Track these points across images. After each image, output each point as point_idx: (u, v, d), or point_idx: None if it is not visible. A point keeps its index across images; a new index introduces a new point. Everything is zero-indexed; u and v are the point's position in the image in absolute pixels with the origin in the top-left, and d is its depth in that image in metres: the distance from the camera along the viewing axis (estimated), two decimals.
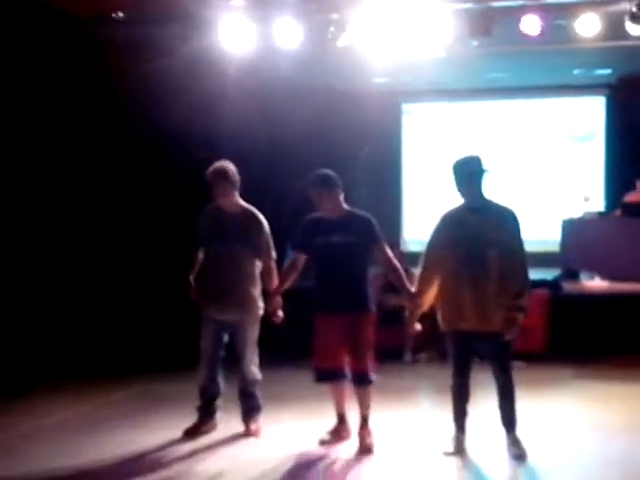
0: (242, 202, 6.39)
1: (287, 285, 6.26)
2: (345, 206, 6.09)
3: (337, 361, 6.01)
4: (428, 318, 6.06)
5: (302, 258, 6.21)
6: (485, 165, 5.80)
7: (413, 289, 5.95)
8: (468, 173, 5.74)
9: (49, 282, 9.43)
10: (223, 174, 6.24)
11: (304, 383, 7.43)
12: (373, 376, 6.02)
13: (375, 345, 6.07)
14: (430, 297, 5.87)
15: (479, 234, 5.64)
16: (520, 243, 5.73)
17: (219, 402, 6.47)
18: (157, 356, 9.17)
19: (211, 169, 6.28)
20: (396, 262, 6.08)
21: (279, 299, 6.21)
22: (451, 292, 5.73)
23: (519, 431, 5.80)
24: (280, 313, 6.20)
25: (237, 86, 9.69)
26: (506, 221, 5.74)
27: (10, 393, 7.77)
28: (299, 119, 11.13)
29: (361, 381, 6.01)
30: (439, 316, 5.87)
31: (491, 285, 5.62)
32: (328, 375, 6.07)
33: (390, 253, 6.10)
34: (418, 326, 5.97)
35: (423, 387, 8.06)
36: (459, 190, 5.78)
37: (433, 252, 5.84)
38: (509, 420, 5.78)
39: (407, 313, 5.99)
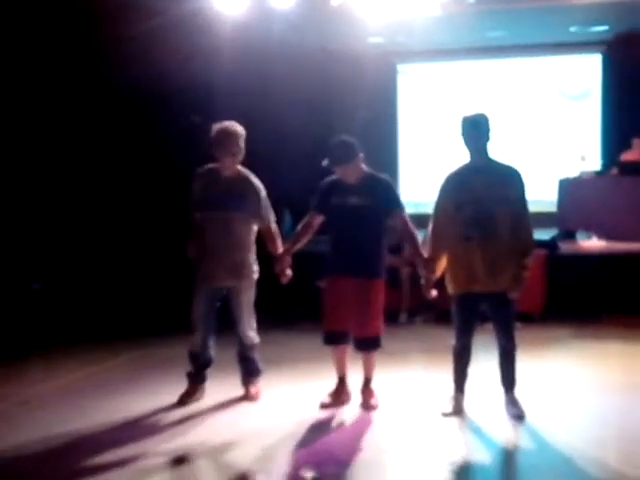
0: (239, 167, 6.29)
1: (300, 245, 6.19)
2: (365, 168, 6.01)
3: (344, 325, 5.99)
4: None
5: (318, 219, 6.14)
6: (491, 123, 5.74)
7: (426, 255, 5.92)
8: (476, 130, 5.69)
9: (47, 248, 9.41)
10: (233, 131, 6.12)
11: (302, 346, 7.48)
12: (380, 341, 6.01)
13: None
14: (443, 262, 5.84)
15: (486, 194, 5.60)
16: (525, 203, 5.71)
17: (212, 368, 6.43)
18: (156, 320, 9.16)
19: (221, 126, 6.13)
20: (413, 228, 6.02)
21: (288, 259, 6.14)
22: (461, 254, 5.70)
23: (518, 391, 5.81)
24: (289, 273, 6.15)
25: (230, 47, 9.61)
26: (512, 180, 5.71)
27: (8, 360, 7.77)
28: (293, 80, 11.06)
29: (367, 346, 6.00)
30: (448, 279, 5.84)
31: (500, 245, 5.60)
32: (337, 338, 6.04)
33: (407, 218, 6.03)
34: (434, 292, 5.93)
35: (419, 348, 8.05)
36: (465, 146, 5.73)
37: (441, 215, 5.79)
38: (509, 380, 5.79)
39: (422, 279, 5.95)
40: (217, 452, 5.24)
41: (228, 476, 4.89)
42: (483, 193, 5.61)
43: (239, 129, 6.17)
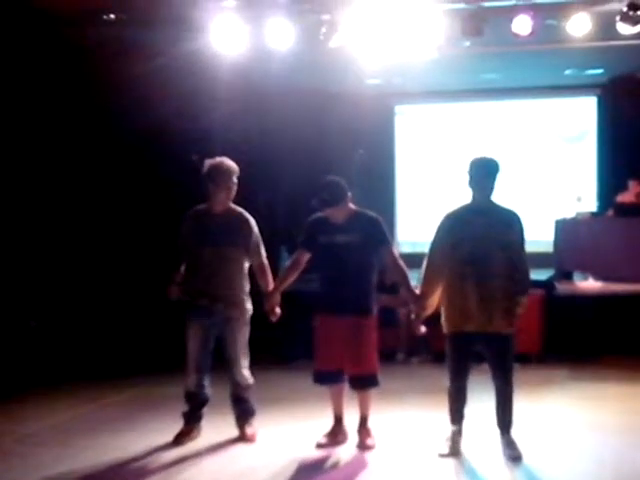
0: (231, 204, 6.30)
1: (288, 283, 6.21)
2: (352, 206, 6.04)
3: (337, 363, 5.98)
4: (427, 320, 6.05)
5: (305, 256, 6.16)
6: (500, 168, 5.78)
7: (418, 291, 5.93)
8: (484, 173, 5.73)
9: (44, 285, 9.41)
10: (226, 168, 6.16)
11: (297, 385, 7.45)
12: (377, 378, 6.00)
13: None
14: (435, 299, 5.85)
15: (485, 235, 5.65)
16: (523, 246, 5.76)
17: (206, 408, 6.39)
18: (152, 359, 9.15)
19: (213, 163, 6.17)
20: (402, 264, 6.03)
21: (277, 297, 6.17)
22: (456, 293, 5.72)
23: (515, 432, 5.79)
24: (278, 311, 6.16)
25: (229, 88, 9.68)
26: (512, 223, 5.76)
27: (5, 397, 7.74)
28: (292, 121, 11.12)
29: (363, 384, 6.00)
30: (443, 317, 5.85)
31: (496, 285, 5.64)
32: (328, 377, 6.04)
33: (397, 255, 6.06)
34: (423, 328, 5.95)
35: (416, 388, 8.03)
36: (470, 187, 5.77)
37: (437, 252, 5.81)
38: (505, 422, 5.77)
39: (413, 316, 5.97)
40: None
41: None
42: (481, 233, 5.65)
43: (232, 165, 6.21)
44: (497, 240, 5.65)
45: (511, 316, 5.67)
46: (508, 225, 5.73)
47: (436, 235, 5.87)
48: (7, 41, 8.61)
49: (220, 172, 6.15)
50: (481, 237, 5.65)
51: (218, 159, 6.22)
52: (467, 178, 5.78)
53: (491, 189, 5.77)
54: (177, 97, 9.66)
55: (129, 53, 9.11)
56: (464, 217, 5.79)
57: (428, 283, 5.85)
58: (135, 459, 5.88)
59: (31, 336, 9.06)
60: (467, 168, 5.80)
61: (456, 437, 5.84)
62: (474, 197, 5.79)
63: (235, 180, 6.20)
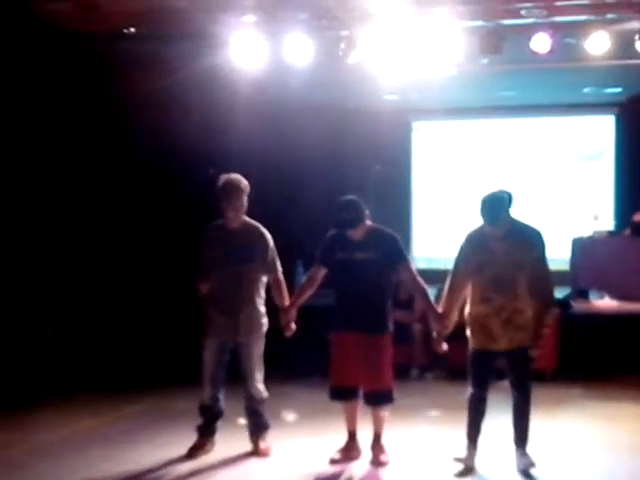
0: (246, 218, 6.32)
1: (304, 299, 6.23)
2: (369, 223, 6.05)
3: (353, 380, 6.00)
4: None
5: (321, 272, 6.17)
6: (513, 198, 5.77)
7: (440, 309, 5.93)
8: (496, 210, 5.70)
9: (61, 296, 9.46)
10: (238, 185, 6.16)
11: (312, 400, 7.44)
12: (392, 395, 6.01)
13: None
14: (455, 317, 5.86)
15: (506, 257, 5.65)
16: (546, 262, 5.77)
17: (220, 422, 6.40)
18: (167, 372, 9.16)
19: (225, 180, 6.19)
20: (421, 281, 6.04)
21: (294, 312, 6.19)
22: (480, 314, 5.74)
23: (529, 449, 5.77)
24: (293, 326, 6.18)
25: (248, 103, 9.72)
26: (532, 241, 5.76)
27: (20, 407, 7.77)
28: (309, 136, 11.15)
29: (377, 401, 6.00)
30: (468, 332, 5.87)
31: (519, 305, 5.67)
32: (344, 393, 6.05)
33: (415, 271, 6.07)
34: (445, 346, 5.95)
35: (430, 404, 8.01)
36: (484, 222, 5.74)
37: (460, 274, 5.83)
38: (521, 437, 5.77)
39: (434, 334, 5.97)
40: None
41: None
42: (504, 256, 5.65)
43: (243, 185, 6.19)
44: (519, 262, 5.65)
45: (538, 335, 5.68)
46: (529, 245, 5.73)
47: (458, 255, 5.88)
48: (28, 57, 8.68)
49: (230, 191, 6.15)
50: (502, 261, 5.65)
51: (231, 176, 6.23)
52: (479, 214, 5.77)
53: (505, 219, 5.75)
54: (196, 112, 9.72)
55: (149, 67, 9.17)
56: (484, 240, 5.78)
57: (450, 302, 5.87)
58: (149, 472, 5.90)
59: (47, 346, 9.10)
60: (478, 206, 5.77)
61: (471, 453, 5.83)
62: (490, 229, 5.76)
63: (244, 199, 6.19)
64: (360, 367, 5.94)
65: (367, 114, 12.22)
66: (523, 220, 5.89)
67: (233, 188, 6.16)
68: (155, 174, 10.13)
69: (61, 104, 9.31)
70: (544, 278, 5.73)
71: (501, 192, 5.79)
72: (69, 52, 8.96)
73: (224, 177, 6.22)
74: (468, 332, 5.88)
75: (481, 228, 5.85)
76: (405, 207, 14.08)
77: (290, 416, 7.30)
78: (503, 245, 5.68)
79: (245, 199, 6.20)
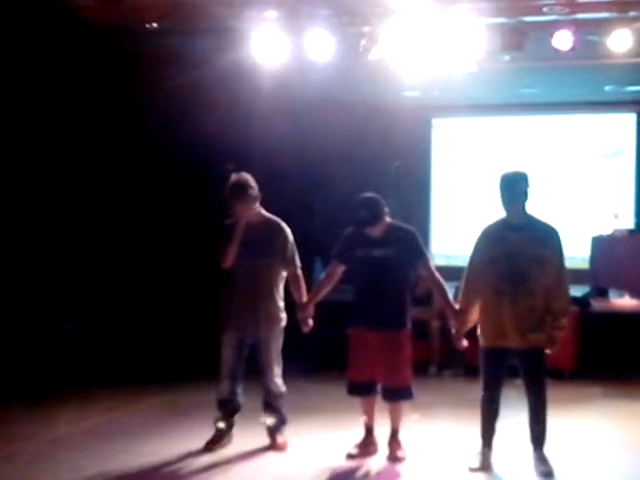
0: (264, 212, 6.34)
1: (322, 295, 6.24)
2: (388, 220, 6.05)
3: (370, 375, 6.01)
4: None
5: (340, 269, 6.18)
6: (531, 181, 5.76)
7: (457, 306, 5.93)
8: (513, 188, 5.71)
9: (81, 289, 9.52)
10: (243, 187, 6.14)
11: (329, 395, 7.46)
12: (411, 391, 6.01)
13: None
14: (474, 314, 5.85)
15: (520, 251, 5.62)
16: (562, 261, 5.71)
17: (237, 416, 6.42)
18: (185, 365, 9.20)
19: (230, 183, 6.18)
20: (440, 278, 6.04)
21: (311, 308, 6.20)
22: (492, 309, 5.71)
23: (547, 449, 5.76)
24: (310, 322, 6.19)
25: (269, 98, 9.74)
26: (548, 238, 5.72)
27: (39, 400, 7.82)
28: (330, 132, 11.16)
29: (396, 396, 6.01)
30: (480, 331, 5.84)
31: (532, 302, 5.61)
32: (362, 389, 6.07)
33: (433, 268, 6.06)
34: (465, 342, 5.94)
35: (448, 401, 8.01)
36: (502, 203, 5.75)
37: (475, 268, 5.82)
38: (538, 438, 5.74)
39: (453, 331, 5.96)
40: None
41: None
42: (518, 250, 5.62)
43: (247, 180, 6.16)
44: (533, 257, 5.62)
45: (553, 339, 5.64)
46: (544, 241, 5.70)
47: (474, 251, 5.86)
48: (53, 51, 8.72)
49: (238, 191, 6.13)
50: (517, 254, 5.63)
51: (233, 179, 6.20)
52: (499, 195, 5.76)
53: (523, 202, 5.75)
54: (217, 107, 9.73)
55: (171, 63, 9.20)
56: (500, 233, 5.77)
57: (467, 299, 5.85)
58: (166, 464, 5.94)
59: (66, 339, 9.15)
60: (497, 185, 5.78)
61: (487, 451, 5.82)
62: (508, 213, 5.77)
63: (255, 191, 6.17)
64: (378, 363, 5.95)
65: (387, 110, 12.20)
66: (541, 218, 5.87)
67: (238, 190, 6.14)
68: (176, 169, 10.16)
69: (84, 99, 9.36)
70: (560, 279, 5.67)
71: (520, 173, 5.79)
72: (93, 47, 8.99)
73: (230, 180, 6.21)
74: (478, 330, 5.86)
75: (497, 223, 5.84)
76: (424, 204, 14.06)
77: (308, 411, 7.30)
78: (519, 239, 5.66)
79: (254, 197, 6.17)
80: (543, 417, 5.74)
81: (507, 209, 5.75)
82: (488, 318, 5.75)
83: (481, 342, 5.83)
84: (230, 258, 6.16)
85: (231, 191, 6.16)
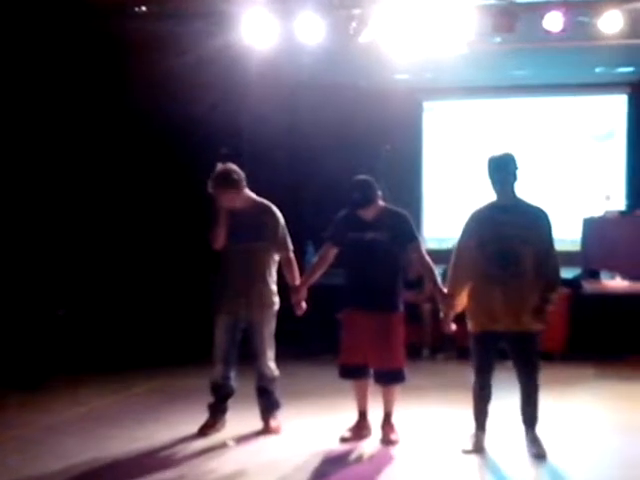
0: (254, 196, 6.31)
1: (315, 278, 6.24)
2: (381, 203, 6.05)
3: (362, 358, 6.01)
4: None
5: (333, 251, 6.18)
6: (519, 163, 5.76)
7: (446, 290, 5.93)
8: (502, 170, 5.71)
9: (72, 275, 9.49)
10: (228, 178, 6.10)
11: (322, 378, 7.47)
12: (404, 374, 6.03)
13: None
14: (463, 297, 5.84)
15: (510, 233, 5.61)
16: (551, 242, 5.70)
17: (231, 400, 6.43)
18: (178, 350, 9.20)
19: (212, 179, 6.12)
20: (430, 261, 6.04)
21: (304, 291, 6.20)
22: (482, 292, 5.70)
23: (539, 430, 5.77)
24: (304, 305, 6.19)
25: (259, 82, 9.70)
26: (539, 221, 5.71)
27: (31, 386, 7.82)
28: (320, 115, 11.14)
29: (388, 379, 6.02)
30: (468, 316, 5.84)
31: (522, 284, 5.60)
32: (353, 372, 6.07)
33: (424, 252, 6.07)
34: (453, 326, 5.94)
35: (441, 384, 8.04)
36: (492, 186, 5.75)
37: (464, 252, 5.80)
38: (530, 419, 5.75)
39: (442, 314, 5.96)
40: None
41: None
42: (508, 232, 5.62)
43: (228, 173, 6.11)
44: (523, 239, 5.61)
45: (539, 314, 5.62)
46: (534, 223, 5.69)
47: (462, 234, 5.85)
48: (38, 33, 8.67)
49: (221, 186, 6.09)
50: (506, 237, 5.62)
51: (215, 174, 6.13)
52: (487, 177, 5.76)
53: (512, 184, 5.75)
54: (206, 91, 9.69)
55: (160, 46, 9.15)
56: (489, 216, 5.76)
57: (455, 282, 5.85)
58: (160, 449, 5.94)
59: (58, 325, 9.14)
60: (485, 167, 5.77)
61: (480, 434, 5.84)
62: (498, 195, 5.77)
63: (238, 181, 6.12)
64: (370, 346, 5.96)
65: (378, 93, 12.18)
66: (530, 200, 5.86)
67: (221, 184, 6.09)
68: (166, 153, 10.12)
69: (73, 82, 9.31)
70: (549, 258, 5.66)
71: (507, 155, 5.78)
72: (82, 31, 8.95)
73: (211, 175, 6.15)
74: (468, 314, 5.85)
75: (486, 206, 5.84)
76: (416, 187, 14.05)
77: (301, 395, 7.31)
78: (508, 221, 5.64)
79: (238, 187, 6.12)
80: (535, 399, 5.74)
81: (496, 191, 5.76)
82: (478, 302, 5.75)
83: (471, 327, 5.82)
84: (219, 240, 6.16)
85: (216, 182, 6.12)
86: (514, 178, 5.73)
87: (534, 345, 5.71)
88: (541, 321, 5.65)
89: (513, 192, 5.76)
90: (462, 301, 5.86)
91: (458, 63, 9.91)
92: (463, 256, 5.81)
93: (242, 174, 6.18)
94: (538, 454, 5.63)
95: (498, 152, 5.83)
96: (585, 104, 13.72)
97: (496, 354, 5.82)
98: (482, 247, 5.68)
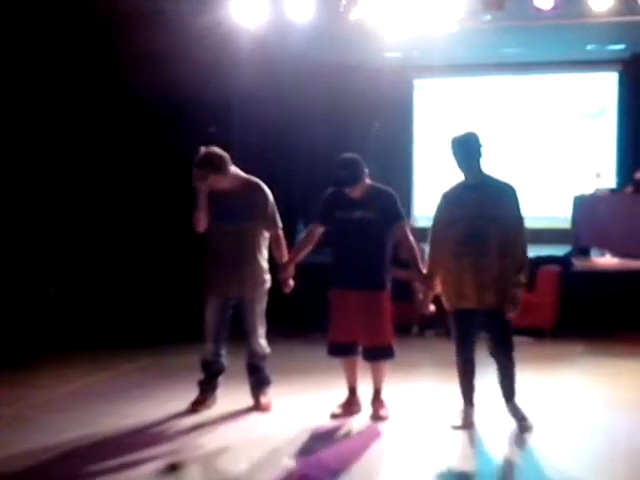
0: (241, 173, 6.27)
1: (302, 256, 6.25)
2: (368, 181, 6.05)
3: (351, 336, 6.03)
4: (436, 297, 6.06)
5: (319, 230, 6.19)
6: (482, 141, 5.78)
7: (425, 270, 5.95)
8: (466, 149, 5.74)
9: (63, 253, 9.50)
10: (209, 165, 6.05)
11: (313, 356, 7.49)
12: (392, 350, 6.05)
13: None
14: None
15: (478, 211, 5.63)
16: (519, 219, 5.71)
17: (221, 377, 6.45)
18: (169, 327, 9.22)
19: (196, 164, 6.06)
20: (413, 241, 6.05)
21: (291, 269, 6.20)
22: (452, 271, 5.72)
23: (525, 404, 5.80)
24: (291, 283, 6.20)
25: (249, 60, 9.67)
26: (505, 196, 5.72)
27: (22, 364, 7.83)
28: (310, 93, 11.12)
29: (377, 355, 6.04)
30: (442, 295, 5.87)
31: (491, 262, 5.61)
32: (342, 349, 6.09)
33: (409, 231, 6.07)
34: (432, 307, 5.98)
35: (430, 361, 8.08)
36: (458, 166, 5.78)
37: (437, 232, 5.84)
38: (508, 392, 5.80)
39: (420, 295, 5.99)
40: (223, 458, 5.29)
41: None
42: (476, 210, 5.63)
43: (212, 157, 6.06)
44: (491, 216, 5.61)
45: (515, 300, 5.60)
46: (501, 199, 5.69)
47: (435, 214, 5.89)
48: (28, 12, 8.62)
49: (206, 170, 6.04)
50: (474, 215, 5.63)
51: (198, 158, 6.07)
52: (453, 158, 5.77)
53: (477, 162, 5.76)
54: (196, 68, 9.66)
55: (149, 25, 9.12)
56: (458, 195, 5.79)
57: (432, 262, 5.89)
58: (150, 426, 5.95)
59: (49, 303, 9.15)
60: (450, 148, 5.79)
61: (468, 409, 5.87)
62: (465, 174, 5.79)
63: (224, 164, 6.07)
64: (358, 323, 5.98)
65: (369, 71, 12.17)
66: (498, 177, 5.85)
67: (206, 169, 6.05)
68: (155, 132, 10.10)
69: (58, 61, 9.27)
70: (518, 236, 5.65)
71: (470, 134, 5.80)
72: (73, 8, 8.90)
73: (195, 160, 6.10)
74: (442, 294, 5.86)
75: (456, 185, 5.86)
76: (406, 165, 14.08)
77: (291, 372, 7.34)
78: (476, 199, 5.66)
79: (224, 170, 6.08)
80: (511, 376, 5.78)
81: (463, 171, 5.78)
82: (449, 280, 5.77)
83: (446, 305, 5.86)
84: (201, 224, 6.14)
85: (200, 166, 6.08)
86: (479, 155, 5.75)
87: (505, 321, 5.71)
88: (516, 307, 5.62)
89: (479, 170, 5.78)
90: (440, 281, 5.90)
91: (448, 41, 9.91)
92: (437, 236, 5.84)
93: (226, 155, 6.13)
94: (524, 427, 5.67)
95: (460, 132, 5.84)
96: (576, 82, 13.73)
97: (476, 330, 5.83)
98: (451, 226, 5.70)
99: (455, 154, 5.77)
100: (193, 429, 5.87)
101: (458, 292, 5.70)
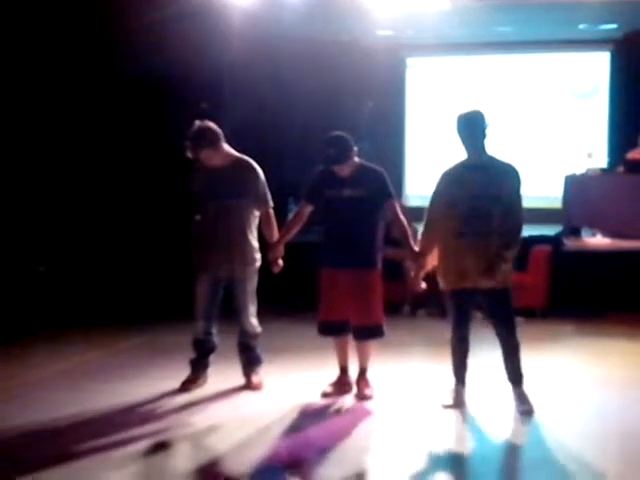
0: (233, 152, 6.26)
1: (291, 235, 6.23)
2: (357, 160, 6.02)
3: (342, 315, 6.02)
4: (429, 276, 6.05)
5: (308, 209, 6.16)
6: (488, 120, 5.74)
7: (417, 248, 5.93)
8: (471, 127, 5.69)
9: (53, 231, 9.46)
10: (201, 139, 6.04)
11: (304, 335, 7.48)
12: (382, 329, 6.05)
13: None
14: (433, 257, 5.85)
15: (481, 192, 5.60)
16: (519, 198, 5.69)
17: (212, 356, 6.46)
18: (160, 306, 9.21)
19: (189, 137, 6.05)
20: (403, 219, 6.03)
21: (281, 248, 6.18)
22: (453, 250, 5.70)
23: (525, 386, 5.81)
24: (280, 262, 6.19)
25: (241, 37, 9.62)
26: (509, 177, 5.70)
27: (13, 342, 7.82)
28: (302, 70, 11.06)
29: (367, 334, 6.04)
30: (439, 275, 5.86)
31: (493, 242, 5.59)
32: (332, 328, 6.09)
33: (399, 210, 6.06)
34: (423, 285, 5.97)
35: (421, 340, 8.09)
36: (462, 144, 5.74)
37: (435, 211, 5.80)
38: (515, 375, 5.77)
39: (411, 273, 5.98)
40: (213, 437, 5.30)
41: (208, 459, 4.93)
42: (479, 191, 5.61)
43: (204, 131, 6.06)
44: (493, 197, 5.59)
45: (489, 271, 5.56)
46: (504, 180, 5.67)
47: (434, 193, 5.84)
48: None
49: (198, 146, 6.04)
50: (477, 195, 5.60)
51: (190, 133, 6.06)
52: (457, 136, 5.74)
53: (482, 142, 5.72)
54: (188, 45, 9.60)
55: (141, 1, 9.05)
56: (460, 175, 5.74)
57: (427, 241, 5.87)
58: (142, 404, 5.96)
59: (39, 281, 9.13)
60: (455, 126, 5.74)
61: (460, 388, 5.88)
62: (468, 154, 5.75)
63: (216, 139, 6.08)
64: (349, 302, 5.97)
65: (361, 50, 12.12)
66: (501, 157, 5.82)
67: (198, 145, 6.04)
68: (147, 109, 10.05)
69: (47, 38, 9.20)
70: (515, 213, 5.63)
71: (476, 113, 5.76)
72: None
73: (187, 136, 6.08)
74: (439, 272, 5.84)
75: (457, 164, 5.82)
76: (399, 144, 14.04)
77: (282, 351, 7.34)
78: (479, 179, 5.63)
79: (216, 145, 6.08)
80: (517, 355, 5.76)
81: (467, 149, 5.74)
82: (449, 261, 5.75)
83: (443, 285, 5.83)
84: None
85: (192, 140, 6.06)
86: (483, 135, 5.70)
87: (507, 301, 5.71)
88: (492, 278, 5.61)
89: (483, 149, 5.73)
90: (432, 260, 5.88)
91: (441, 19, 9.88)
92: (434, 215, 5.81)
93: (219, 131, 6.13)
94: (526, 411, 5.66)
95: (467, 110, 5.80)
96: (568, 61, 13.70)
97: (471, 309, 5.84)
98: (453, 206, 5.67)
99: (460, 132, 5.72)
100: (184, 408, 5.88)
101: (459, 272, 5.68)
